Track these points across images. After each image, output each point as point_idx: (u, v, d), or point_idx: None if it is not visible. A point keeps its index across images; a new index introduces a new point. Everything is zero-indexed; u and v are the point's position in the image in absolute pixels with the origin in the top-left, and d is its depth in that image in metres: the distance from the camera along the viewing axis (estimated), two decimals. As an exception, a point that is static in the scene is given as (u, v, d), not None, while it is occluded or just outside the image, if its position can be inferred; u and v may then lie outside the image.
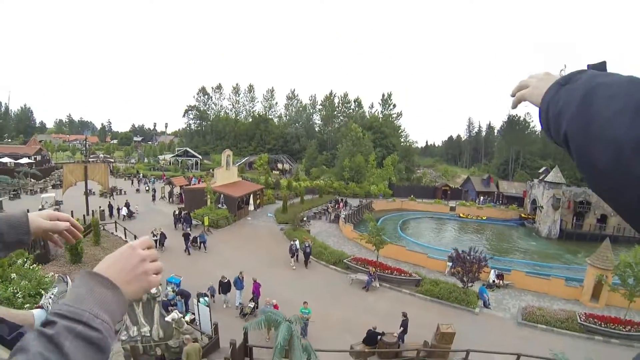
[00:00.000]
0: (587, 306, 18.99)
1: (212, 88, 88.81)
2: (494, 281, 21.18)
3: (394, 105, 78.40)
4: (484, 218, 44.17)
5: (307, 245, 22.01)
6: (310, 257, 22.01)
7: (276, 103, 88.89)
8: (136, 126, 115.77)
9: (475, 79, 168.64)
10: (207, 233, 26.05)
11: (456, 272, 18.19)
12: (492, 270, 21.68)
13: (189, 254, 22.13)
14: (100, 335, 0.59)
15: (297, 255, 21.68)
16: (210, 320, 12.25)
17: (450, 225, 40.74)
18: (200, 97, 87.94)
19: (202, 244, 23.50)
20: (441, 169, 65.22)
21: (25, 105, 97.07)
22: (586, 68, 0.75)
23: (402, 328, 13.02)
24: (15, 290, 11.25)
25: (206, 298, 13.28)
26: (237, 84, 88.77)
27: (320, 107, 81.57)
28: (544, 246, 34.50)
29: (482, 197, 51.73)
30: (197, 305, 12.89)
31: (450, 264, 23.06)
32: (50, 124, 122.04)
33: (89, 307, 0.60)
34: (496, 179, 57.75)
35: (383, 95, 79.27)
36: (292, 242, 22.17)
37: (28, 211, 1.03)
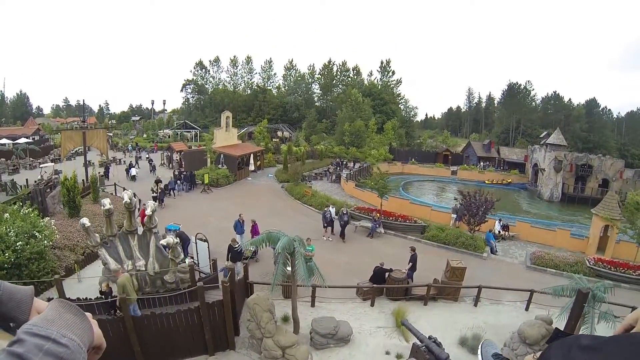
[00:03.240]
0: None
1: (210, 61, 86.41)
2: (499, 232, 20.72)
3: (393, 72, 76.64)
4: (508, 181, 43.76)
5: (344, 212, 17.66)
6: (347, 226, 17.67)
7: (274, 74, 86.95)
8: (134, 106, 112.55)
9: (474, 47, 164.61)
10: (208, 191, 25.60)
11: (462, 215, 17.68)
12: (497, 221, 21.26)
13: (161, 202, 21.20)
14: (68, 350, 0.60)
15: (333, 227, 17.84)
16: (209, 256, 11.70)
17: (454, 187, 40.15)
18: (197, 71, 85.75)
19: (171, 191, 23.47)
20: (440, 138, 63.89)
21: (21, 91, 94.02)
22: None
23: (410, 264, 12.52)
24: (8, 229, 10.73)
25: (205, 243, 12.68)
26: (234, 56, 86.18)
27: (319, 76, 79.52)
28: (547, 209, 34.12)
29: (482, 163, 51.10)
30: (196, 243, 12.31)
31: (454, 215, 22.58)
32: (47, 110, 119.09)
33: (57, 328, 0.62)
34: (497, 145, 56.92)
35: (382, 62, 77.38)
36: (325, 209, 18.34)
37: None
